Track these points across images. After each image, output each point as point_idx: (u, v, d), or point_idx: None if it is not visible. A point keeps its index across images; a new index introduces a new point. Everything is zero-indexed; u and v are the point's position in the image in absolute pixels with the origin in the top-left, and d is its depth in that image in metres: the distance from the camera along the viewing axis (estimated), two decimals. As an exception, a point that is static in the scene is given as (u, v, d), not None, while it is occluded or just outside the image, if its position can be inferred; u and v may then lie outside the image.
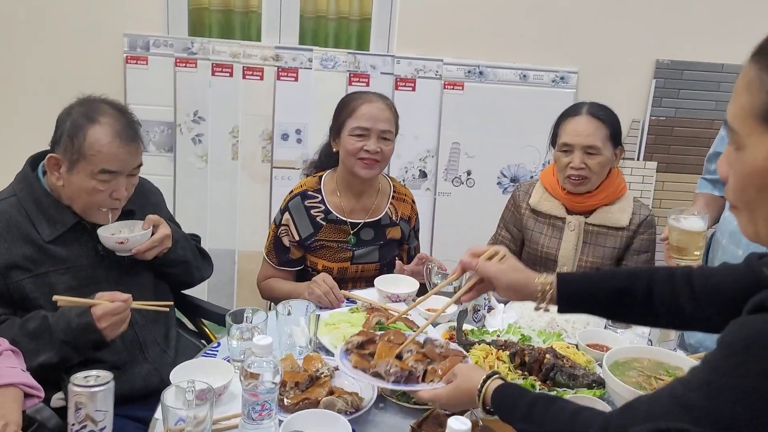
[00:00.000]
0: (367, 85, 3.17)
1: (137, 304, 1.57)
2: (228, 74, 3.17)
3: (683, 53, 3.11)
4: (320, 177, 2.07)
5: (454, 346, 1.41)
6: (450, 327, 1.74)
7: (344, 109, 1.98)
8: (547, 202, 2.06)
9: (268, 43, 3.18)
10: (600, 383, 1.47)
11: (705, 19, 3.05)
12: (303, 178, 2.14)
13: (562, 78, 3.17)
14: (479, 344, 1.59)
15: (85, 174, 1.58)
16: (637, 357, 1.52)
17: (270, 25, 3.23)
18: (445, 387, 1.23)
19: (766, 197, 0.85)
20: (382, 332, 1.47)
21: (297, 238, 2.01)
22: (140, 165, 1.71)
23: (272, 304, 2.12)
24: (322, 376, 1.41)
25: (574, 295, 1.26)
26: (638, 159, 3.27)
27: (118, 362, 1.63)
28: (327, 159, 2.10)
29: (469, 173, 3.28)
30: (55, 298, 1.50)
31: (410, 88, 3.19)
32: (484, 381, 1.15)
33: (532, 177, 3.27)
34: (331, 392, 1.38)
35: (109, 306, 1.49)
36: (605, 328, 1.73)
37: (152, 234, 1.69)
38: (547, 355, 1.52)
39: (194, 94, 3.17)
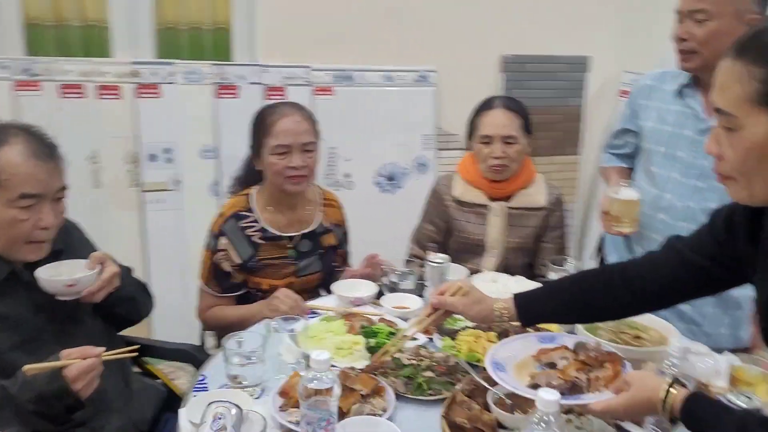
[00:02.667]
0: (236, 96, 3.08)
1: (105, 356, 1.41)
2: (79, 95, 2.89)
3: (524, 48, 3.43)
4: (247, 195, 2.00)
5: (606, 347, 1.42)
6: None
7: (260, 126, 1.93)
8: (470, 193, 2.18)
9: (122, 59, 2.94)
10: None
11: (540, 16, 3.40)
12: (229, 198, 2.04)
13: (423, 77, 3.34)
14: (464, 330, 1.66)
15: (2, 204, 1.40)
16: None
17: (122, 40, 3.01)
18: (620, 396, 1.19)
19: (760, 165, 1.03)
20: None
21: (238, 261, 1.93)
22: (65, 188, 1.53)
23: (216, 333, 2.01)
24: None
25: (530, 313, 1.46)
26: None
27: (84, 419, 1.45)
28: (253, 175, 2.03)
29: (347, 176, 3.32)
30: (25, 368, 1.30)
31: (281, 97, 3.16)
32: (668, 390, 1.13)
33: (405, 174, 3.40)
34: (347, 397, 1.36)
35: (84, 364, 1.34)
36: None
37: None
38: (529, 329, 1.64)
39: (41, 119, 2.80)
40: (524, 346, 1.47)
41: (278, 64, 3.11)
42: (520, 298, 1.46)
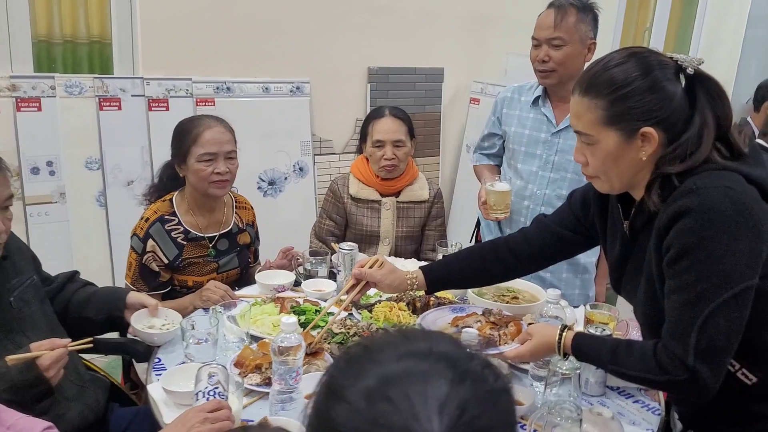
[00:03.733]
0: (119, 108, 3.16)
1: (70, 347, 1.55)
2: (-48, 110, 2.83)
3: (388, 60, 3.82)
4: (170, 200, 2.16)
5: (506, 312, 1.81)
6: (339, 300, 2.06)
7: (186, 137, 2.10)
8: (364, 190, 2.50)
9: (0, 73, 2.92)
10: (470, 309, 1.99)
11: (402, 32, 3.80)
12: (148, 204, 2.19)
13: (298, 88, 3.61)
14: (380, 303, 1.97)
15: None
16: (486, 287, 2.08)
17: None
18: (526, 344, 1.55)
19: (614, 166, 1.37)
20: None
21: (166, 261, 2.09)
22: (12, 196, 1.61)
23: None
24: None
25: (435, 280, 1.81)
26: (365, 151, 3.90)
27: (47, 407, 1.57)
28: (171, 182, 2.19)
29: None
30: (8, 358, 1.41)
31: (164, 108, 3.27)
32: (560, 334, 1.48)
33: (286, 178, 3.64)
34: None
35: (55, 354, 1.47)
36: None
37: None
38: (431, 299, 1.98)
39: None
40: (440, 316, 1.84)
41: (160, 77, 3.22)
42: (426, 269, 1.83)
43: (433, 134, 4.06)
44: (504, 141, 2.42)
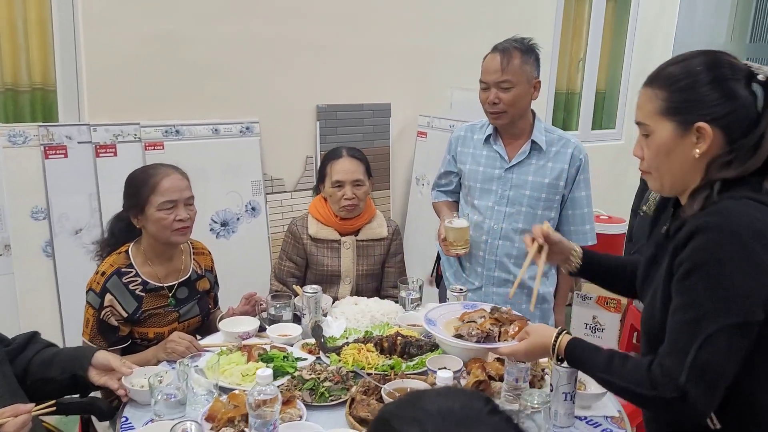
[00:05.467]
0: (66, 156, 3.09)
1: (33, 411, 1.51)
2: None
3: (336, 98, 3.86)
4: (126, 252, 2.12)
5: (515, 312, 1.86)
6: (305, 343, 2.07)
7: (143, 187, 2.08)
8: (323, 230, 2.51)
9: (-61, 124, 2.82)
10: (436, 346, 2.02)
11: (348, 70, 3.86)
12: (101, 260, 2.14)
13: (247, 128, 3.61)
14: (347, 345, 1.98)
15: None
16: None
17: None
18: (522, 343, 1.56)
19: (666, 160, 1.35)
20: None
21: (125, 315, 2.05)
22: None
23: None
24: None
25: (590, 263, 1.77)
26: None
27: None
28: (125, 234, 2.16)
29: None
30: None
31: (111, 154, 3.22)
32: (557, 336, 1.48)
33: (238, 219, 3.62)
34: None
35: (19, 420, 1.43)
36: (405, 312, 2.29)
37: None
38: (398, 338, 2.00)
39: None
40: (451, 310, 1.95)
41: (107, 123, 3.18)
42: (587, 251, 1.79)
43: (382, 168, 4.12)
44: (460, 178, 2.48)
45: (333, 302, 2.37)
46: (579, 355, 1.46)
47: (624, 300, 3.59)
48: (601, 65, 5.42)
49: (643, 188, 3.89)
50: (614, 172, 5.09)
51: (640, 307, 3.30)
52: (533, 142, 2.33)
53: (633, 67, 5.60)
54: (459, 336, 1.79)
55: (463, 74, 4.04)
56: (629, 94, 5.67)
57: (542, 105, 4.73)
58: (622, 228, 5.30)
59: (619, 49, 5.55)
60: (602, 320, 3.62)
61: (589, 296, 3.63)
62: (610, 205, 4.71)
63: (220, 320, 2.17)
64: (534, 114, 2.37)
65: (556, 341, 1.49)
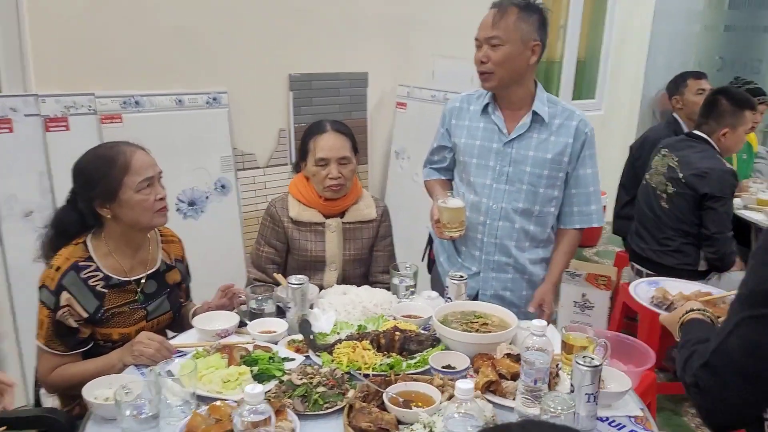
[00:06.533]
0: (11, 131, 2.78)
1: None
2: None
3: (310, 66, 3.60)
4: (84, 244, 1.86)
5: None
6: (292, 340, 1.85)
7: (110, 168, 1.80)
8: (306, 212, 2.27)
9: None
10: (438, 340, 1.83)
11: (323, 37, 3.60)
12: (47, 262, 1.87)
13: (214, 99, 3.33)
14: (341, 343, 1.77)
15: None
16: (450, 312, 1.92)
17: None
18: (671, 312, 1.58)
19: None
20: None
21: (85, 315, 1.79)
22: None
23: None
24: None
25: None
26: (290, 164, 3.67)
27: None
28: (78, 230, 1.89)
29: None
30: None
31: (63, 128, 2.92)
32: (685, 313, 1.46)
33: (207, 197, 3.36)
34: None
35: None
36: (399, 301, 2.09)
37: None
38: (396, 333, 1.80)
39: None
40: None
41: (57, 93, 2.87)
42: None
43: (360, 142, 3.83)
44: (454, 153, 2.27)
45: (319, 291, 2.15)
46: (687, 330, 1.43)
47: (614, 277, 3.44)
48: (582, 34, 5.24)
49: (633, 160, 3.75)
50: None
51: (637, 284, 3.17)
52: (534, 113, 2.12)
53: (614, 35, 5.44)
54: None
55: (447, 41, 3.82)
56: (610, 63, 5.51)
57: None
58: (602, 201, 5.21)
59: (600, 15, 5.37)
60: (592, 298, 3.44)
61: (579, 273, 3.45)
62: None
63: (194, 316, 1.94)
64: (536, 83, 2.16)
65: (682, 317, 1.47)
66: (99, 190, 1.80)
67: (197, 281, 2.21)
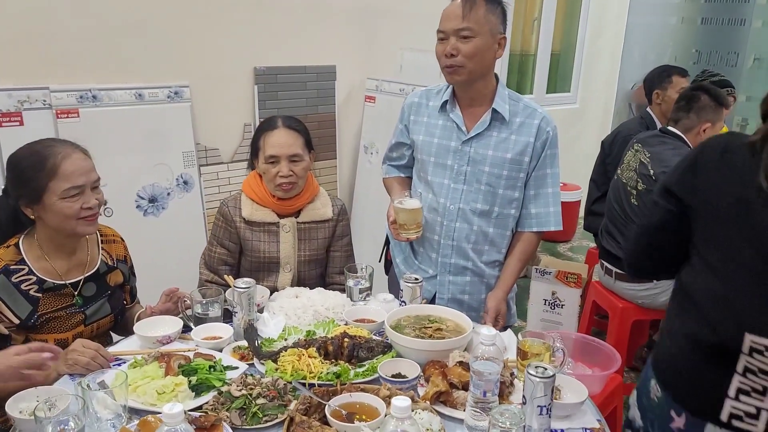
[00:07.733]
0: (-40, 126, 2.68)
1: None
2: None
3: (276, 59, 3.51)
4: (16, 245, 1.78)
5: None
6: (237, 347, 1.78)
7: (38, 171, 1.72)
8: (259, 212, 2.20)
9: None
10: (390, 346, 1.76)
11: (289, 29, 3.51)
12: None
13: (176, 93, 3.23)
14: (286, 350, 1.70)
15: None
16: (404, 317, 1.86)
17: None
18: None
19: None
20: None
21: (16, 321, 1.71)
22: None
23: None
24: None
25: None
26: (256, 158, 3.58)
27: None
28: (11, 226, 1.81)
29: (104, 204, 3.08)
30: None
31: (17, 123, 2.82)
32: None
33: (169, 194, 3.27)
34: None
35: None
36: (353, 304, 2.03)
37: None
38: (345, 339, 1.74)
39: None
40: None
41: (10, 87, 2.77)
42: None
43: (328, 136, 3.80)
44: (413, 151, 2.20)
45: (270, 294, 2.08)
46: None
47: (585, 275, 3.40)
48: (557, 26, 5.18)
49: (604, 156, 3.70)
50: (567, 137, 4.89)
51: (606, 281, 3.13)
52: (494, 111, 2.05)
53: (589, 28, 5.38)
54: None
55: (415, 34, 3.74)
56: (585, 56, 5.46)
57: (496, 67, 4.48)
58: (577, 195, 5.16)
59: (575, 7, 5.31)
60: (562, 296, 3.42)
61: (549, 271, 3.43)
62: (565, 171, 4.52)
63: (137, 320, 1.86)
64: (497, 79, 2.10)
65: None
66: (25, 189, 1.73)
67: (159, 281, 2.13)
